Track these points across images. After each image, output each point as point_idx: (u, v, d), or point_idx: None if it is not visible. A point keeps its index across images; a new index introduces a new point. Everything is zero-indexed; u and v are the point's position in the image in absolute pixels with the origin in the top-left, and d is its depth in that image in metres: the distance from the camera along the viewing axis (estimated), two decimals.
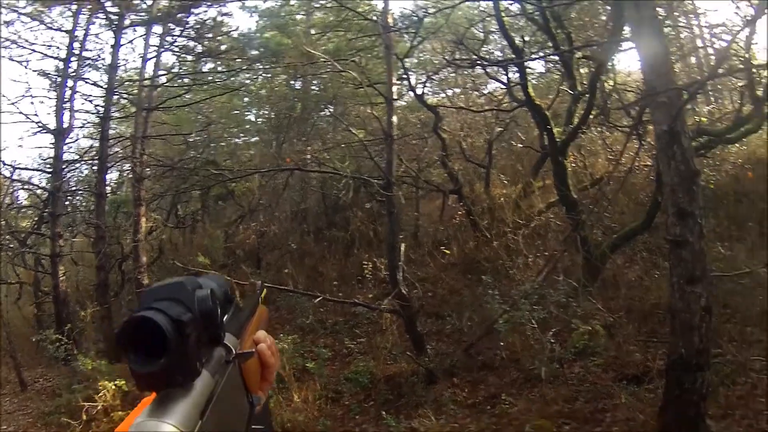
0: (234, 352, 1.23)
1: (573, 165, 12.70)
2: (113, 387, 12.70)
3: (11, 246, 21.18)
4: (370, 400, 10.24)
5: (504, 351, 9.91)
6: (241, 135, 22.55)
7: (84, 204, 22.63)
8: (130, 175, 19.12)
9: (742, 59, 10.09)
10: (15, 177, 20.55)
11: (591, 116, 12.01)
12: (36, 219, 21.93)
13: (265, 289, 1.71)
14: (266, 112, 21.98)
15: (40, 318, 20.75)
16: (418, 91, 14.05)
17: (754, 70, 9.76)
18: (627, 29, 10.16)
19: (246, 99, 22.49)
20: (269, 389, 1.43)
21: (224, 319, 1.27)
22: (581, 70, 13.25)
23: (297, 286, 13.39)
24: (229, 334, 1.24)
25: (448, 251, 13.33)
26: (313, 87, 20.04)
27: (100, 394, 12.67)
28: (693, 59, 18.23)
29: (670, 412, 6.89)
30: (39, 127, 18.11)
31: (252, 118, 23.23)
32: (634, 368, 8.52)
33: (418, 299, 11.52)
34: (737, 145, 12.62)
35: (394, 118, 11.96)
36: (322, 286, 13.45)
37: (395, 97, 12.69)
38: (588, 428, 7.80)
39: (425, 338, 10.91)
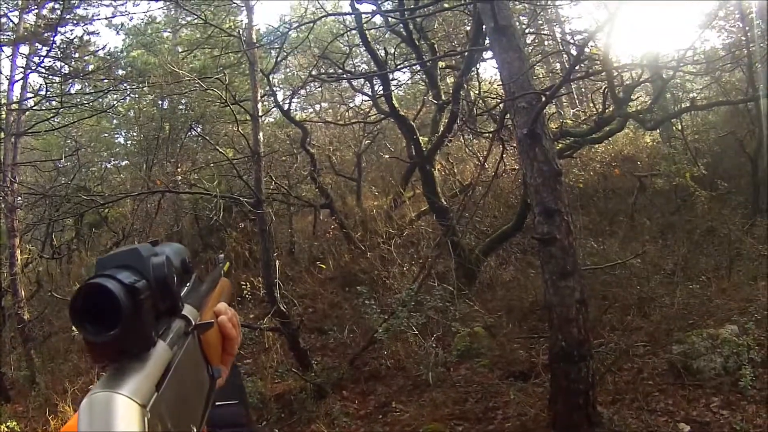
0: (193, 322, 1.20)
1: (442, 173, 12.93)
2: (6, 429, 12.37)
3: None
4: (263, 420, 10.11)
5: (389, 360, 9.99)
6: (111, 159, 22.15)
7: None
8: (2, 205, 18.57)
9: (601, 62, 10.47)
10: None
11: (456, 124, 12.25)
12: None
13: (228, 263, 1.69)
14: (135, 134, 21.64)
15: None
16: (285, 107, 13.98)
17: (614, 72, 10.12)
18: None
19: (115, 121, 22.20)
20: (231, 361, 1.41)
21: (183, 289, 1.26)
22: (447, 80, 13.52)
23: None
24: (188, 305, 1.22)
25: (323, 266, 13.35)
26: (180, 106, 19.82)
27: None
28: (558, 65, 18.90)
29: (559, 403, 7.08)
30: None
31: (121, 140, 22.90)
32: (520, 365, 8.74)
33: (298, 315, 11.50)
34: (604, 144, 13.10)
35: (261, 135, 11.95)
36: None
37: (261, 114, 12.69)
38: (481, 427, 7.91)
39: (310, 354, 10.90)
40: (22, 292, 16.22)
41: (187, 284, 1.31)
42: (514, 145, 11.04)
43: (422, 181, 11.97)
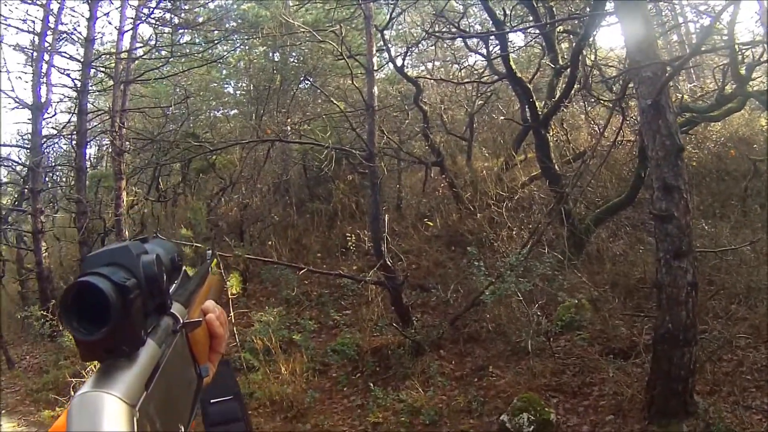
0: (181, 321, 1.22)
1: (555, 139, 12.76)
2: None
3: None
4: (357, 372, 10.27)
5: (490, 323, 9.95)
6: (220, 108, 22.28)
7: (64, 179, 22.51)
8: (110, 150, 18.98)
9: (725, 37, 10.15)
10: None
11: (573, 90, 12.08)
12: (16, 196, 21.78)
13: (216, 258, 1.61)
14: (245, 85, 21.74)
15: (25, 295, 20.64)
16: (398, 63, 14.00)
17: (737, 48, 9.81)
18: (609, 4, 10.20)
19: (224, 71, 22.17)
20: (218, 359, 1.42)
21: (171, 287, 1.29)
22: (563, 45, 13.30)
23: (281, 258, 13.36)
24: (176, 303, 1.25)
25: (431, 223, 13.34)
26: (291, 59, 19.85)
27: (87, 370, 12.70)
28: (674, 36, 18.40)
29: (658, 387, 6.99)
30: (16, 102, 17.96)
31: (231, 90, 22.97)
32: (621, 342, 8.60)
33: (402, 271, 11.51)
34: (719, 123, 12.72)
35: (375, 90, 11.94)
36: (306, 258, 13.45)
37: (376, 68, 12.68)
38: (576, 402, 7.90)
39: (411, 310, 10.93)
40: (126, 233, 16.84)
41: (176, 281, 1.35)
42: (633, 115, 10.89)
43: (536, 145, 11.79)
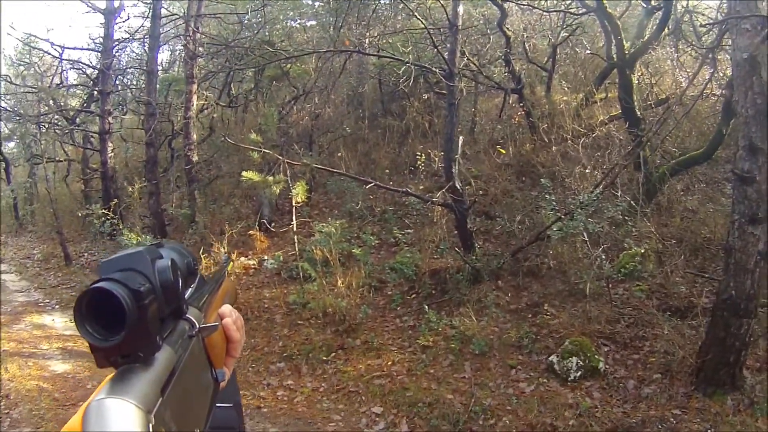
0: (197, 325, 1.22)
1: (639, 81, 12.48)
2: None
3: (59, 124, 21.67)
4: (413, 293, 10.38)
5: (552, 260, 9.91)
6: (298, 17, 22.13)
7: (134, 82, 22.74)
8: (182, 54, 19.09)
9: None
10: (64, 57, 20.84)
11: (663, 33, 11.78)
12: (85, 97, 22.18)
13: (231, 262, 1.56)
14: None
15: (88, 194, 21.41)
16: None
17: None
18: None
19: None
20: (234, 364, 1.43)
21: (187, 291, 1.29)
22: None
23: (348, 171, 13.40)
24: (192, 307, 1.25)
25: (503, 151, 13.17)
26: None
27: None
28: None
29: (710, 354, 6.95)
30: (88, 6, 18.29)
31: (309, 1, 22.88)
32: (679, 301, 8.51)
33: (470, 196, 11.46)
34: None
35: (461, 8, 11.68)
36: (374, 174, 13.47)
37: None
38: (626, 354, 7.90)
39: (474, 236, 10.91)
40: (194, 136, 17.12)
41: (191, 286, 1.34)
42: (723, 69, 10.57)
43: (619, 84, 11.52)
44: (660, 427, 6.55)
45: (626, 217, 9.76)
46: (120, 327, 0.99)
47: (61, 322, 13.17)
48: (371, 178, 11.97)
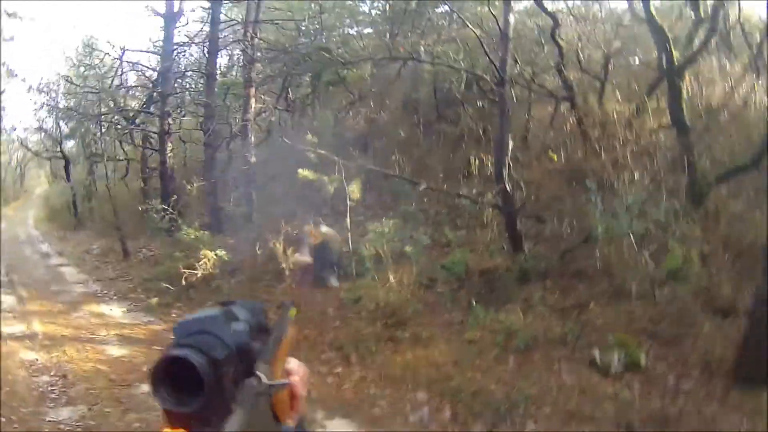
0: (265, 381, 1.22)
1: (688, 90, 12.62)
2: (214, 256, 13.33)
3: (119, 124, 22.16)
4: (462, 290, 10.61)
5: (599, 261, 10.05)
6: (354, 25, 22.44)
7: (193, 85, 23.24)
8: (241, 59, 19.55)
9: None
10: (124, 59, 21.19)
11: (711, 43, 11.92)
12: (145, 99, 22.60)
13: (295, 309, 1.66)
14: (381, 4, 21.81)
15: (146, 192, 21.77)
16: None
17: None
18: None
19: None
20: (298, 418, 1.42)
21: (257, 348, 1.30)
22: None
23: (402, 174, 13.70)
24: (260, 362, 1.25)
25: (554, 157, 13.37)
26: None
27: (200, 263, 13.36)
28: None
29: (749, 349, 7.15)
30: (149, 10, 18.93)
31: (365, 9, 23.08)
32: (723, 301, 8.61)
33: (521, 199, 11.72)
34: None
35: (511, 18, 11.98)
36: (428, 177, 13.61)
37: None
38: (667, 350, 8.07)
39: (523, 238, 11.14)
40: (252, 138, 17.61)
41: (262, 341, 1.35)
42: None
43: (668, 93, 11.72)
44: (697, 420, 6.69)
45: (672, 221, 9.88)
46: (197, 393, 1.07)
47: (118, 311, 13.66)
48: (424, 182, 12.25)
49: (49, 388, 9.28)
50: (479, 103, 15.45)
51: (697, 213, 10.31)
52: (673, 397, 7.23)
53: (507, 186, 10.79)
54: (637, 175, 10.93)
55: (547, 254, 10.87)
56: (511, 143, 11.36)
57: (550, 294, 9.94)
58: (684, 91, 11.75)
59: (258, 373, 1.20)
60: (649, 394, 7.35)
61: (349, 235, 11.83)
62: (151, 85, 21.90)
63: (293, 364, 1.44)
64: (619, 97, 13.96)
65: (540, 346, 8.69)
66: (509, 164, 11.03)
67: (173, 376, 1.09)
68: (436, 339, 9.52)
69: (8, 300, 14.69)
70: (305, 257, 13.02)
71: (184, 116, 23.41)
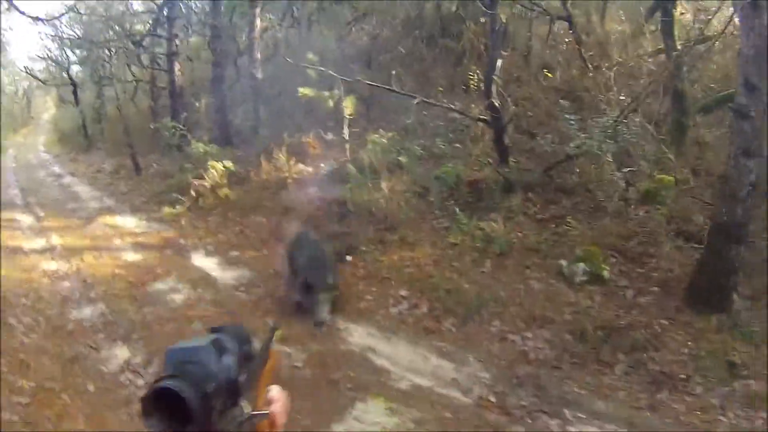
0: (248, 411, 1.36)
1: (682, 18, 12.68)
2: (222, 167, 13.90)
3: (127, 48, 22.68)
4: (452, 200, 11.05)
5: (579, 177, 10.47)
6: None
7: (199, 7, 23.40)
8: None
9: None
10: None
11: None
12: (152, 22, 22.90)
13: (279, 330, 1.79)
14: None
15: (156, 111, 22.38)
16: None
17: None
18: None
19: None
20: None
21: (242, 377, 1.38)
22: None
23: (403, 88, 13.77)
24: (244, 391, 1.37)
25: (550, 75, 13.45)
26: None
27: (209, 173, 13.93)
28: None
29: (703, 275, 7.58)
30: None
31: None
32: (692, 226, 8.92)
33: (514, 115, 11.96)
34: None
35: None
36: (429, 92, 13.80)
37: None
38: (631, 267, 8.54)
39: (510, 151, 11.45)
40: (258, 55, 17.84)
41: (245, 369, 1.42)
42: None
43: (661, 18, 11.82)
44: (645, 332, 7.15)
45: (645, 144, 10.23)
46: (185, 422, 1.13)
47: (132, 222, 14.37)
48: (425, 96, 12.48)
49: (71, 292, 10.12)
50: (483, 20, 15.54)
51: (678, 141, 10.53)
52: (629, 309, 7.71)
53: (495, 101, 11.02)
54: (622, 97, 11.17)
55: (533, 168, 11.19)
56: (500, 61, 11.49)
57: (531, 205, 10.33)
58: (678, 17, 11.89)
59: (242, 403, 1.34)
60: (607, 305, 7.84)
61: (347, 146, 12.29)
62: (157, 9, 22.32)
63: (274, 391, 1.50)
64: (622, 18, 13.97)
65: (515, 253, 9.23)
66: (497, 80, 11.25)
67: (163, 403, 1.16)
68: (422, 242, 10.07)
69: (26, 219, 15.53)
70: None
71: (191, 37, 23.71)
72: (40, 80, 33.86)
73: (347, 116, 12.16)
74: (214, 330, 1.41)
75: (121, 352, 7.94)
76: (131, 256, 11.78)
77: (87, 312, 9.26)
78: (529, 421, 6.11)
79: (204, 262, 11.34)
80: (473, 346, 7.53)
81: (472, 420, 6.14)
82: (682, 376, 6.56)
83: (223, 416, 1.24)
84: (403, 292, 8.83)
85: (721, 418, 5.96)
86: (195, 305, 9.31)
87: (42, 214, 16.02)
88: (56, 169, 25.43)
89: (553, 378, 6.78)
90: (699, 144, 10.73)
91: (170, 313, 9.04)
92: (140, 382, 7.18)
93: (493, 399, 6.50)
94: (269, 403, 1.45)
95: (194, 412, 1.11)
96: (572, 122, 10.44)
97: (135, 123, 22.40)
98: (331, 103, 12.26)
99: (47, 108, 45.91)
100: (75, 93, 29.16)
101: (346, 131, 12.29)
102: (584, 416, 6.11)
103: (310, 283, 8.24)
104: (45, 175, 24.00)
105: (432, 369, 7.15)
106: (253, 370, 1.45)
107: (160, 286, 10.15)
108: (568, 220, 9.63)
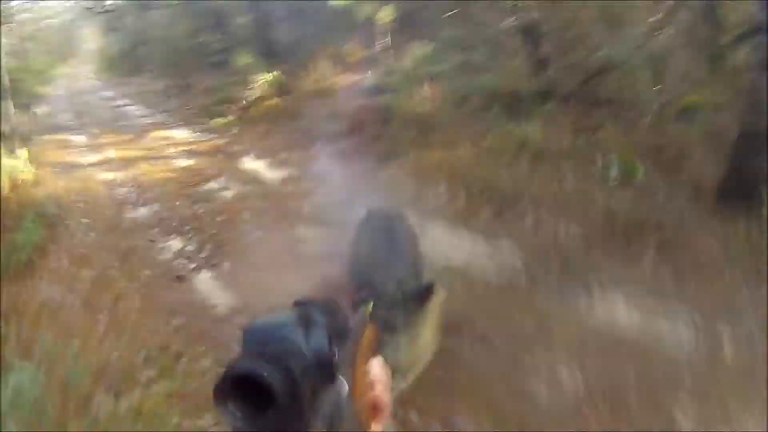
0: (346, 388, 1.16)
1: None
2: (270, 77, 14.29)
3: None
4: (490, 108, 11.36)
5: (615, 92, 10.65)
6: None
7: None
8: None
9: None
10: None
11: None
12: None
13: (372, 302, 1.58)
14: None
15: (200, 30, 22.64)
16: None
17: None
18: None
19: None
20: (381, 427, 1.27)
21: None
22: None
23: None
24: (340, 367, 1.14)
25: None
26: None
27: (257, 84, 14.37)
28: None
29: (729, 181, 7.78)
30: None
31: None
32: (727, 145, 8.63)
33: (552, 28, 12.14)
34: None
35: None
36: (467, 5, 13.93)
37: None
38: (664, 168, 8.70)
39: (550, 62, 11.74)
40: None
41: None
42: None
43: None
44: (674, 232, 7.33)
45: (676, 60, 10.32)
46: (268, 408, 0.95)
47: (184, 133, 15.05)
48: (462, 10, 12.80)
49: (127, 196, 10.83)
50: None
51: (716, 64, 10.50)
52: (660, 210, 7.84)
53: (534, 13, 11.36)
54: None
55: (569, 80, 11.31)
56: None
57: (566, 115, 10.53)
58: None
59: (341, 379, 1.14)
60: (639, 206, 7.99)
61: (390, 54, 12.58)
62: None
63: (375, 368, 1.30)
64: None
65: (550, 156, 9.47)
66: None
67: (243, 388, 0.98)
68: (461, 143, 10.41)
69: (81, 138, 16.29)
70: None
71: None
72: (86, 8, 34.17)
73: (387, 25, 12.44)
74: (298, 303, 1.21)
75: (175, 243, 8.56)
76: (183, 162, 12.45)
77: (142, 211, 9.93)
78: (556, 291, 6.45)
79: (253, 164, 11.89)
80: (507, 233, 7.87)
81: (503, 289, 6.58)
82: (710, 270, 6.62)
83: (316, 398, 1.06)
84: (442, 187, 9.22)
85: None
86: (244, 200, 9.89)
87: (97, 131, 16.74)
88: (107, 93, 26.22)
89: (582, 262, 7.04)
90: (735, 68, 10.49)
91: (221, 207, 9.63)
92: (192, 266, 7.77)
93: (522, 270, 6.94)
94: (371, 384, 1.27)
95: (278, 395, 0.95)
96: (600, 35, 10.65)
97: (180, 44, 22.84)
98: (363, 16, 12.56)
99: (90, 38, 46.32)
100: (119, 20, 29.51)
101: (388, 40, 12.59)
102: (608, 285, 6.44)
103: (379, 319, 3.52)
104: (96, 99, 24.79)
105: (468, 248, 7.59)
106: (348, 345, 1.24)
107: (211, 185, 10.78)
108: (605, 128, 9.84)
